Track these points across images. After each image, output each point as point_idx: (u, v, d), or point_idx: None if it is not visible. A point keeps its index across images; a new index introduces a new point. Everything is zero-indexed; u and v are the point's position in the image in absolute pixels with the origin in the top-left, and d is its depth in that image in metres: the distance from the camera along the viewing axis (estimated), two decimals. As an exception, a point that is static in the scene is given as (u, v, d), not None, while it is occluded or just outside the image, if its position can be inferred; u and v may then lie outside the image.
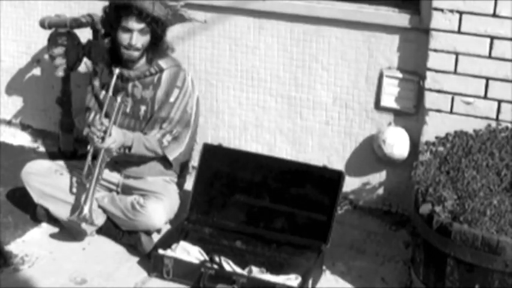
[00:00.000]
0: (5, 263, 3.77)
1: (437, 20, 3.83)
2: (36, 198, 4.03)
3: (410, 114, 4.12)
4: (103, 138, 3.79)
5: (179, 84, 3.99)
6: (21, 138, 5.13)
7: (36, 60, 5.09)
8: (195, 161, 4.21)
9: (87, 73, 4.49)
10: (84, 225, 3.85)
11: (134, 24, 3.84)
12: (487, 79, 3.81)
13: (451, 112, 3.92)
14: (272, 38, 4.35)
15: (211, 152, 4.04)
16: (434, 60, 3.89)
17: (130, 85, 3.99)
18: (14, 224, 4.10)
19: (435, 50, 3.87)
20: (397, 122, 4.16)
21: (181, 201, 4.03)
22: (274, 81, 4.41)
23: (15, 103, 5.24)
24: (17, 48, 5.11)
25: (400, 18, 4.03)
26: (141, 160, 3.99)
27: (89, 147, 3.88)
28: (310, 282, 3.57)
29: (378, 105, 4.20)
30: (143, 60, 3.97)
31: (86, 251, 3.91)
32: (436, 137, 3.74)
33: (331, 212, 3.77)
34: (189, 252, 3.74)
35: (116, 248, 3.93)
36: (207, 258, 3.72)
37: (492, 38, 3.74)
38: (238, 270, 3.64)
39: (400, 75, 4.10)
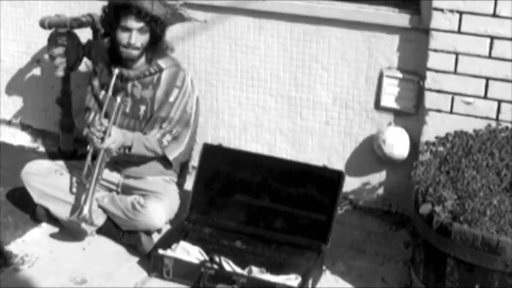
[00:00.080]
0: (5, 263, 3.77)
1: (437, 20, 3.83)
2: (36, 198, 4.03)
3: (410, 114, 4.12)
4: (102, 139, 3.80)
5: (179, 84, 3.99)
6: (21, 138, 5.13)
7: (36, 60, 5.09)
8: (195, 161, 4.21)
9: (88, 72, 4.49)
10: (84, 225, 3.85)
11: (133, 23, 3.85)
12: (487, 79, 3.81)
13: (451, 112, 3.92)
14: (272, 38, 4.35)
15: (211, 152, 4.04)
16: (434, 60, 3.89)
17: (129, 85, 3.99)
18: (14, 224, 4.10)
19: (435, 50, 3.87)
20: (397, 122, 4.16)
21: (181, 201, 4.03)
22: (274, 81, 4.41)
23: (15, 103, 5.24)
24: (17, 48, 5.11)
25: (400, 18, 4.03)
26: (141, 160, 3.99)
27: (88, 147, 3.88)
28: (310, 282, 3.57)
29: (378, 105, 4.20)
30: (143, 60, 3.97)
31: (86, 251, 3.91)
32: (436, 137, 3.74)
33: (331, 212, 3.76)
34: (189, 252, 3.74)
35: (116, 248, 3.93)
36: (207, 258, 3.72)
37: (492, 38, 3.74)
38: (238, 270, 3.64)
39: (400, 75, 4.10)
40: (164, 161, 4.01)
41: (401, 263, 3.85)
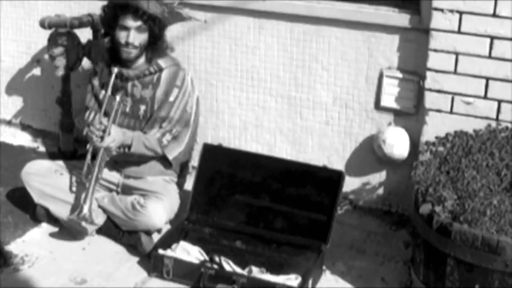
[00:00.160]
0: (5, 263, 3.77)
1: (437, 20, 3.83)
2: (36, 198, 4.03)
3: (410, 114, 4.12)
4: (102, 137, 3.80)
5: (179, 84, 3.99)
6: (21, 138, 5.13)
7: (36, 60, 5.09)
8: (195, 161, 4.21)
9: (88, 72, 4.49)
10: (84, 224, 3.85)
11: (131, 22, 3.86)
12: (487, 79, 3.81)
13: (451, 112, 3.92)
14: (272, 38, 4.35)
15: (211, 152, 4.04)
16: (434, 60, 3.89)
17: (129, 84, 3.99)
18: (14, 224, 4.10)
19: (435, 50, 3.87)
20: (397, 122, 4.16)
21: (181, 201, 4.03)
22: (274, 81, 4.41)
23: (15, 103, 5.24)
24: (17, 48, 5.11)
25: (400, 18, 4.03)
26: (141, 160, 3.99)
27: (88, 146, 3.89)
28: (310, 282, 3.56)
29: (378, 105, 4.20)
30: (142, 60, 3.97)
31: (86, 251, 3.91)
32: (436, 137, 3.74)
33: (331, 212, 3.76)
34: (189, 252, 3.74)
35: (116, 248, 3.93)
36: (207, 258, 3.72)
37: (492, 38, 3.74)
38: (238, 270, 3.64)
39: (400, 75, 4.10)
40: (164, 161, 4.01)
41: (401, 263, 3.85)
